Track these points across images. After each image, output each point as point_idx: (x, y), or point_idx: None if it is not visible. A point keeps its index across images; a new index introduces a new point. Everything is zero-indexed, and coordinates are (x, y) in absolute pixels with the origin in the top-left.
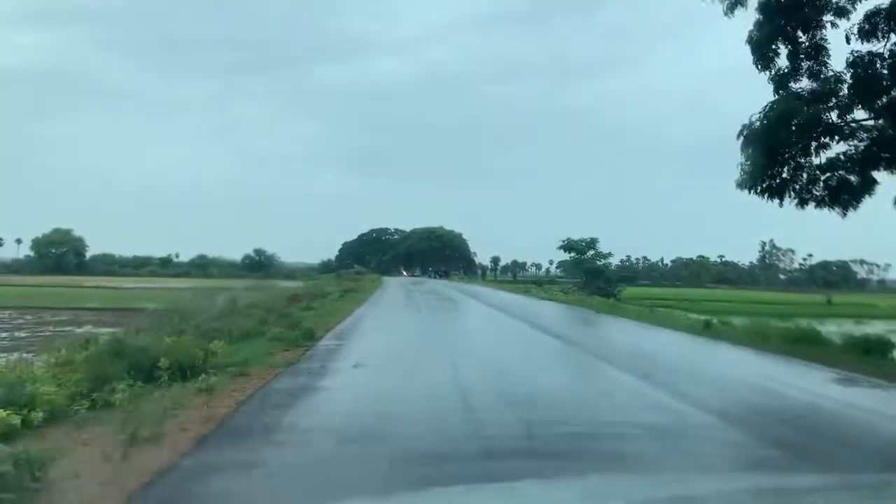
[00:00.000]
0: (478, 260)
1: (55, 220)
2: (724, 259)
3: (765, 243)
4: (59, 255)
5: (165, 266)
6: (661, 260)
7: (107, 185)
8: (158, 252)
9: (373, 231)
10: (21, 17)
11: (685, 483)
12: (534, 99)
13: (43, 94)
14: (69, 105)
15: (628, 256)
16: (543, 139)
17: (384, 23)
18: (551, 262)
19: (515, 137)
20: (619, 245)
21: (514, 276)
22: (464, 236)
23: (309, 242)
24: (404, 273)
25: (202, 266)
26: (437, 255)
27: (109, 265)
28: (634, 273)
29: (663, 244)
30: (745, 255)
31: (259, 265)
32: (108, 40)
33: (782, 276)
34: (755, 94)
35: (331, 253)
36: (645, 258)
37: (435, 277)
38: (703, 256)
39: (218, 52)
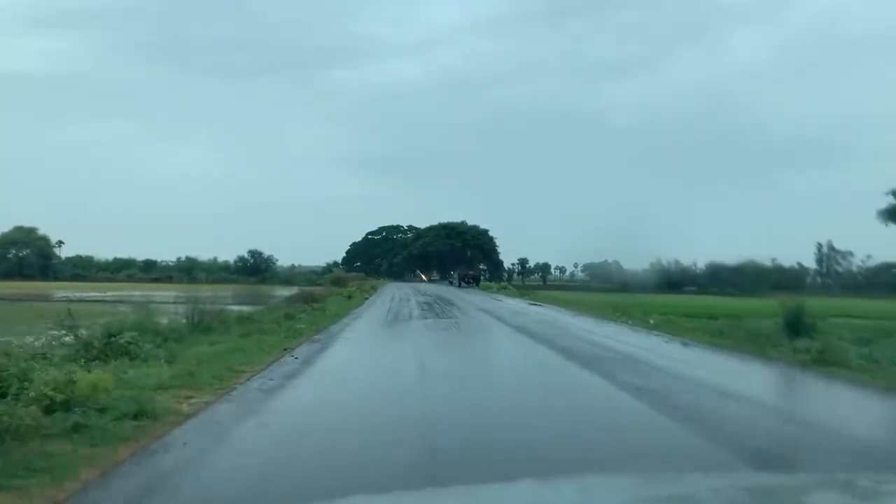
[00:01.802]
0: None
1: (45, 222)
2: (776, 262)
3: (821, 245)
4: (20, 256)
5: (148, 270)
6: (695, 264)
7: (107, 187)
8: (162, 256)
9: (382, 229)
10: (24, 22)
11: (684, 483)
12: (549, 100)
13: (43, 98)
14: (69, 109)
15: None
16: (555, 140)
17: (397, 26)
18: (576, 266)
19: (529, 138)
20: (631, 248)
21: (544, 281)
22: (490, 233)
23: (320, 245)
24: (423, 277)
25: (188, 269)
26: (458, 255)
27: (85, 269)
28: (666, 278)
29: (681, 248)
30: (791, 257)
31: (254, 268)
32: (110, 44)
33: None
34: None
35: (340, 255)
36: (677, 262)
37: (460, 285)
38: (752, 261)
39: (226, 54)
